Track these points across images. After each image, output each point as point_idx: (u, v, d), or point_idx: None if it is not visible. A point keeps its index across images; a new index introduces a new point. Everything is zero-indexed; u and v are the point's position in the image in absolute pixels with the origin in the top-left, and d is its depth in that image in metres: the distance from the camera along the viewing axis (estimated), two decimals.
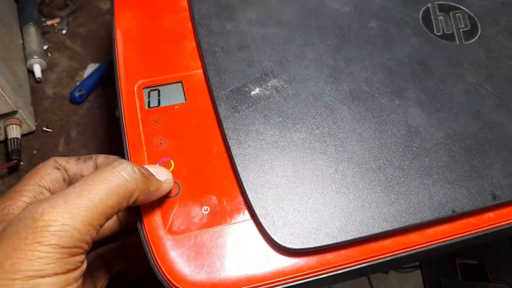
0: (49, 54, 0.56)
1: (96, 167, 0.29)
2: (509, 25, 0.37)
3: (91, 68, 0.54)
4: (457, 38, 0.36)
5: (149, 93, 0.32)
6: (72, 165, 0.29)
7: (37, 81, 0.51)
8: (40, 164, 0.28)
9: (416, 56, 0.34)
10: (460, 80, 0.33)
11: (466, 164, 0.28)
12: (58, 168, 0.28)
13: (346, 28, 0.36)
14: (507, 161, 0.29)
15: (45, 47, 0.56)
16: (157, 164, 0.28)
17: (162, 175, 0.26)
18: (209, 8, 0.37)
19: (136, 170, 0.23)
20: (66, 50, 0.57)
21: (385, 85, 0.32)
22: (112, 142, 0.48)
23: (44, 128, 0.47)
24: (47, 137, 0.48)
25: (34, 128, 0.47)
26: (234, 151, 0.28)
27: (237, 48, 0.34)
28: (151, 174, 0.25)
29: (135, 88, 0.32)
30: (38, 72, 0.51)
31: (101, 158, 0.29)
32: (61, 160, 0.28)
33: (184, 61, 0.34)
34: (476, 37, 0.36)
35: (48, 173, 0.27)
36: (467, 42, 0.35)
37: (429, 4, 0.38)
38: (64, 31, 0.59)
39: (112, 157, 0.30)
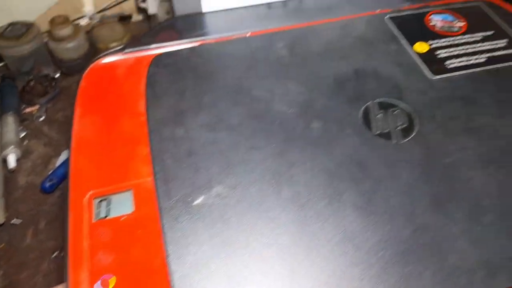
0: (26, 141, 0.57)
1: None
2: (445, 121, 0.38)
3: (64, 155, 0.55)
4: (394, 137, 0.37)
5: (98, 203, 0.33)
6: None
7: (10, 172, 0.52)
8: None
9: (355, 156, 0.35)
10: (396, 180, 0.34)
11: (397, 272, 0.29)
12: None
13: (291, 130, 0.37)
14: (438, 268, 0.29)
15: (22, 135, 0.58)
16: (99, 282, 0.28)
17: None
18: (163, 113, 0.38)
19: None
20: (43, 137, 0.58)
21: (324, 188, 0.33)
22: None
23: (12, 222, 0.48)
24: (15, 229, 0.48)
25: (3, 220, 0.47)
26: (173, 267, 0.28)
27: (186, 155, 0.35)
28: None
29: (85, 199, 0.33)
30: (12, 163, 0.52)
31: None
32: None
33: (136, 168, 0.35)
34: (413, 135, 0.37)
35: None
36: (404, 141, 0.37)
37: (369, 102, 0.39)
38: (42, 118, 0.61)
39: None
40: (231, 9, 0.50)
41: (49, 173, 0.52)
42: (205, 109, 0.38)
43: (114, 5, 0.75)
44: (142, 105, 0.39)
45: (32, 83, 0.64)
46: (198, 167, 0.34)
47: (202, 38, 0.45)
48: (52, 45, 0.64)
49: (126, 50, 0.44)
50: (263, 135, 0.36)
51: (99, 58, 0.43)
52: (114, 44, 0.69)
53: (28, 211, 0.50)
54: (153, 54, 0.43)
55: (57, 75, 0.67)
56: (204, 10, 0.49)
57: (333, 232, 0.31)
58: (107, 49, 0.71)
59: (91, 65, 0.42)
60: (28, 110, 0.61)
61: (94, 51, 0.68)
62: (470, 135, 0.37)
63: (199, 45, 0.44)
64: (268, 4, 0.50)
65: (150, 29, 0.47)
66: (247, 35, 0.45)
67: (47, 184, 0.50)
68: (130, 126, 0.37)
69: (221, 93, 0.39)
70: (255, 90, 0.40)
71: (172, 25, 0.48)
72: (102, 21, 0.74)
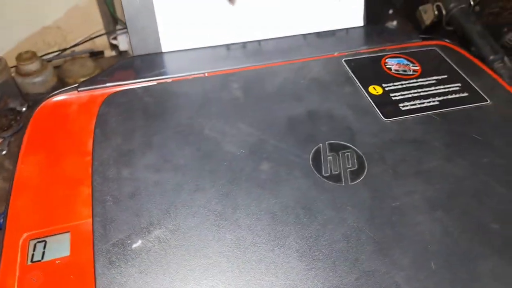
0: None
1: None
2: (394, 163, 0.38)
3: None
4: (343, 179, 0.37)
5: (35, 245, 0.32)
6: None
7: None
8: None
9: (301, 199, 0.35)
10: (341, 224, 0.33)
11: None
12: None
13: (238, 172, 0.36)
14: None
15: None
16: None
17: None
18: (110, 153, 0.37)
19: None
20: (3, 171, 0.57)
21: (268, 232, 0.32)
22: None
23: None
24: None
25: None
26: None
27: (128, 197, 0.34)
28: None
29: (21, 241, 0.32)
30: None
31: None
32: None
33: (77, 210, 0.34)
34: (362, 177, 0.37)
35: None
36: (353, 183, 0.36)
37: (321, 144, 0.39)
38: (4, 152, 0.59)
39: None
40: (190, 49, 0.50)
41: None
42: (152, 149, 0.37)
43: (86, 41, 0.75)
44: (89, 145, 0.38)
45: None
46: (140, 209, 0.33)
47: (159, 77, 0.45)
48: (19, 79, 0.64)
49: (81, 88, 0.43)
50: (210, 176, 0.36)
51: (52, 95, 0.42)
52: (83, 79, 0.69)
53: None
54: (108, 93, 0.43)
55: (24, 108, 0.66)
56: (163, 50, 0.49)
57: (275, 278, 0.30)
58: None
59: (43, 102, 0.42)
60: None
61: (62, 85, 0.68)
62: (418, 178, 0.37)
63: (154, 84, 0.43)
64: (228, 45, 0.51)
65: (107, 68, 0.46)
66: (205, 75, 0.45)
67: (1, 222, 0.48)
68: (74, 166, 0.36)
69: (171, 133, 0.39)
70: (206, 130, 0.39)
71: (130, 64, 0.48)
72: (73, 57, 0.74)
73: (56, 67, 0.71)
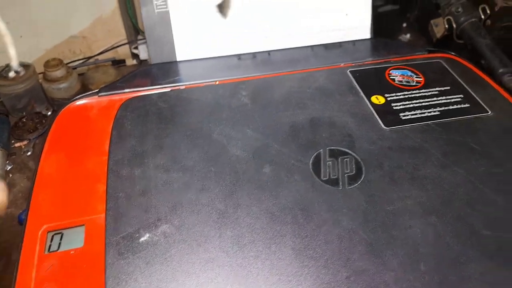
0: (10, 175, 0.59)
1: None
2: (391, 169, 0.39)
3: None
4: (341, 183, 0.38)
5: (52, 237, 0.34)
6: None
7: None
8: None
9: (300, 201, 0.36)
10: (336, 225, 0.35)
11: None
12: None
13: (242, 173, 0.38)
14: None
15: (8, 168, 0.60)
16: None
17: None
18: (124, 153, 0.40)
19: None
20: (27, 171, 0.60)
21: (266, 231, 0.34)
22: None
23: None
24: None
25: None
26: None
27: (139, 194, 0.36)
28: None
29: (40, 232, 0.34)
30: None
31: None
32: None
33: (92, 205, 0.36)
34: (359, 182, 0.38)
35: None
36: (350, 187, 0.38)
37: (321, 150, 0.41)
38: (29, 153, 0.63)
39: None
40: (203, 59, 0.53)
41: None
42: (164, 151, 0.40)
43: (109, 50, 0.79)
44: (106, 145, 0.41)
45: (24, 120, 0.67)
46: (148, 206, 0.35)
47: (174, 84, 0.47)
48: (46, 85, 0.67)
49: (101, 93, 0.46)
50: (215, 177, 0.38)
51: (74, 99, 0.45)
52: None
53: (3, 243, 0.51)
54: (125, 98, 0.46)
55: (49, 112, 0.70)
56: (178, 59, 0.52)
57: (270, 274, 0.31)
58: None
59: (66, 106, 0.45)
60: (17, 144, 0.64)
61: (86, 91, 0.72)
62: (414, 184, 0.38)
63: (168, 91, 0.46)
64: (239, 55, 0.53)
65: (126, 74, 0.49)
66: (216, 83, 0.48)
67: (24, 217, 0.51)
68: (92, 165, 0.39)
69: (181, 136, 0.41)
70: (214, 134, 0.42)
71: (148, 72, 0.51)
72: (97, 65, 0.78)
73: (81, 74, 0.75)
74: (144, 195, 0.36)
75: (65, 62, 0.71)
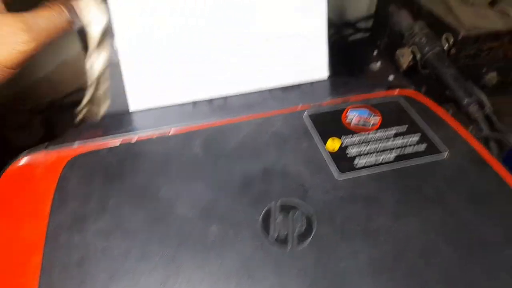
0: None
1: None
2: (343, 223, 0.38)
3: None
4: (290, 241, 0.37)
5: None
6: None
7: None
8: None
9: (245, 263, 0.35)
10: None
11: None
12: None
13: (187, 235, 0.37)
14: None
15: None
16: None
17: None
18: (65, 218, 0.38)
19: None
20: None
21: None
22: None
23: None
24: None
25: None
26: None
27: (76, 264, 0.35)
28: None
29: None
30: None
31: None
32: None
33: (25, 279, 0.35)
34: (309, 239, 0.37)
35: None
36: (300, 245, 0.36)
37: (272, 203, 0.39)
38: None
39: None
40: (157, 108, 0.51)
41: None
42: (106, 214, 0.38)
43: (75, 92, 0.78)
44: (47, 210, 0.39)
45: None
46: (84, 279, 0.34)
47: (125, 136, 0.46)
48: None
49: (49, 148, 0.45)
50: (158, 242, 0.36)
51: (20, 156, 0.44)
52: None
53: None
54: (73, 153, 0.44)
55: None
56: (131, 109, 0.51)
57: None
58: None
59: (10, 165, 0.43)
60: None
61: (50, 136, 0.71)
62: (365, 238, 0.37)
63: (118, 145, 0.45)
64: (194, 102, 0.52)
65: (77, 126, 0.48)
66: (169, 133, 0.47)
67: None
68: (28, 233, 0.37)
69: (127, 196, 0.40)
70: (161, 192, 0.40)
71: (99, 123, 0.49)
72: (62, 107, 0.77)
73: (46, 117, 0.74)
74: (81, 265, 0.34)
75: (30, 106, 0.70)
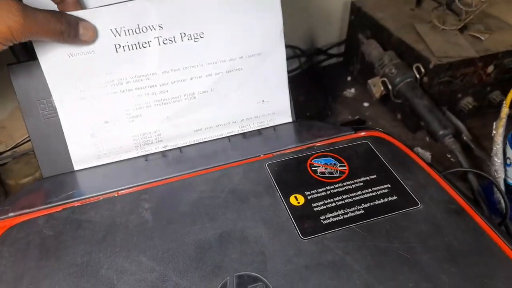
0: None
1: None
2: None
3: None
4: None
5: None
6: None
7: None
8: None
9: None
10: None
11: None
12: None
13: None
14: None
15: None
16: None
17: None
18: None
19: None
20: None
21: None
22: None
23: None
24: None
25: None
26: None
27: None
28: None
29: None
30: None
31: None
32: None
33: None
34: None
35: None
36: None
37: (228, 278, 0.35)
38: None
39: None
40: (106, 164, 0.47)
41: None
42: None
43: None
44: None
45: None
46: None
47: (66, 201, 0.41)
48: None
49: None
50: None
51: None
52: (26, 179, 0.66)
53: None
54: (8, 225, 0.40)
55: None
56: (76, 168, 0.46)
57: None
58: (17, 185, 0.68)
59: None
60: None
61: (3, 188, 0.65)
62: None
63: (58, 211, 0.40)
64: (146, 156, 0.48)
65: (15, 194, 0.43)
66: (116, 194, 0.42)
67: None
68: None
69: (63, 275, 0.35)
70: (103, 270, 0.35)
71: (39, 188, 0.44)
72: (18, 156, 0.72)
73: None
74: None
75: None
